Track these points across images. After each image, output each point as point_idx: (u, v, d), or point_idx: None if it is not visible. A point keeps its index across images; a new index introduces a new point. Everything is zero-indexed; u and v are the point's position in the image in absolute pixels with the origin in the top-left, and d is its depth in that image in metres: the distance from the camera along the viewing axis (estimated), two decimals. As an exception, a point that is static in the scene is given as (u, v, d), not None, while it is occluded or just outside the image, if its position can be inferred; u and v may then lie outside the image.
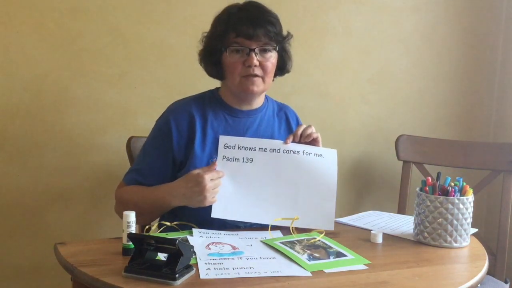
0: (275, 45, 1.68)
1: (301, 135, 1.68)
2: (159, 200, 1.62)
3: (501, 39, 2.75)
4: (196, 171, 1.56)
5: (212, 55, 1.71)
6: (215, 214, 1.58)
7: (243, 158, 1.64)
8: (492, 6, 2.73)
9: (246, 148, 1.65)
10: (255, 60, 1.64)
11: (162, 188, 1.63)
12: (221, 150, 1.63)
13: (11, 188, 2.11)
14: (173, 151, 1.69)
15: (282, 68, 1.76)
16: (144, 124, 2.19)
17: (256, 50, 1.65)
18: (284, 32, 1.73)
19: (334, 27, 2.50)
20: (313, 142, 1.69)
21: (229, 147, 1.64)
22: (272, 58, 1.69)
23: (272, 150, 1.66)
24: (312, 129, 1.69)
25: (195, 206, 1.57)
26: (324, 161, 1.68)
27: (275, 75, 1.76)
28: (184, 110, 1.72)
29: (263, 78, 1.68)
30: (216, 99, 1.77)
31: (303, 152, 1.67)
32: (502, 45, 2.75)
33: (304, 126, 1.69)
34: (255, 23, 1.64)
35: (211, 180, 1.54)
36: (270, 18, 1.67)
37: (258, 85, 1.68)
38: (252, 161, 1.65)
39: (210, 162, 1.65)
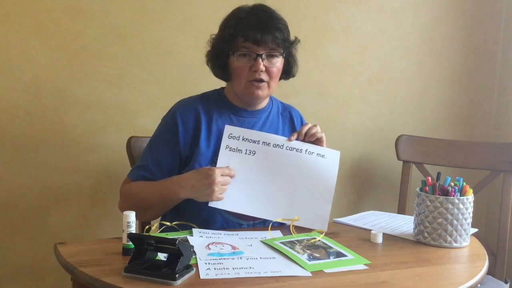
0: (282, 51, 1.70)
1: (305, 133, 1.69)
2: (168, 191, 1.62)
3: (501, 39, 2.75)
4: (208, 166, 1.59)
5: (219, 58, 1.72)
6: (212, 203, 1.59)
7: (246, 150, 1.65)
8: (492, 6, 2.73)
9: (250, 141, 1.66)
10: (262, 65, 1.65)
11: (171, 179, 1.64)
12: (225, 140, 1.65)
13: (11, 188, 2.11)
14: (179, 146, 1.70)
15: (287, 72, 1.78)
16: (144, 124, 2.19)
17: (263, 56, 1.66)
18: (292, 38, 1.73)
19: (334, 27, 2.50)
20: (317, 141, 1.71)
21: (234, 137, 1.65)
22: (278, 63, 1.70)
23: (276, 146, 1.67)
24: (317, 129, 1.70)
25: (203, 200, 1.58)
26: (326, 162, 1.69)
27: (280, 79, 1.77)
28: (191, 107, 1.74)
29: (268, 83, 1.69)
30: (221, 99, 1.78)
31: (306, 151, 1.68)
32: (502, 45, 2.75)
33: (309, 125, 1.71)
34: (263, 29, 1.64)
35: (221, 175, 1.56)
36: (278, 24, 1.67)
37: (263, 89, 1.69)
38: (254, 154, 1.66)
39: (214, 159, 1.65)
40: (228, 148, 1.64)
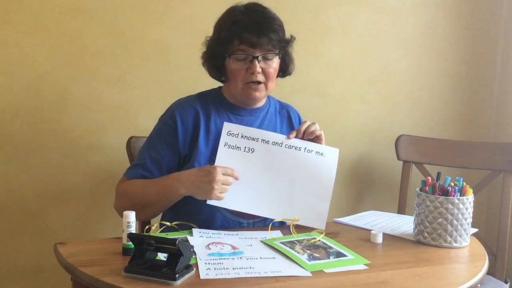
0: (278, 52, 1.69)
1: (304, 131, 1.69)
2: (167, 187, 1.61)
3: (501, 39, 2.75)
4: (210, 165, 1.59)
5: (215, 60, 1.72)
6: (211, 201, 1.58)
7: (245, 147, 1.65)
8: (492, 6, 2.73)
9: (249, 138, 1.66)
10: (258, 67, 1.65)
11: (171, 176, 1.63)
12: (224, 137, 1.64)
13: (11, 188, 2.11)
14: (178, 145, 1.70)
15: (284, 71, 1.78)
16: (144, 124, 2.19)
17: (259, 57, 1.66)
18: (288, 36, 1.73)
19: (334, 27, 2.50)
20: (316, 139, 1.71)
21: (232, 134, 1.65)
22: (274, 63, 1.70)
23: (275, 144, 1.67)
24: (316, 126, 1.70)
25: (202, 197, 1.57)
26: (325, 160, 1.69)
27: (276, 77, 1.76)
28: (189, 106, 1.74)
29: (265, 84, 1.69)
30: (219, 98, 1.78)
31: (304, 149, 1.68)
32: (502, 45, 2.75)
33: (308, 123, 1.71)
34: (259, 31, 1.64)
35: (222, 174, 1.55)
36: (274, 25, 1.67)
37: (260, 91, 1.70)
38: (253, 151, 1.65)
39: (213, 158, 1.65)
40: (227, 146, 1.64)
